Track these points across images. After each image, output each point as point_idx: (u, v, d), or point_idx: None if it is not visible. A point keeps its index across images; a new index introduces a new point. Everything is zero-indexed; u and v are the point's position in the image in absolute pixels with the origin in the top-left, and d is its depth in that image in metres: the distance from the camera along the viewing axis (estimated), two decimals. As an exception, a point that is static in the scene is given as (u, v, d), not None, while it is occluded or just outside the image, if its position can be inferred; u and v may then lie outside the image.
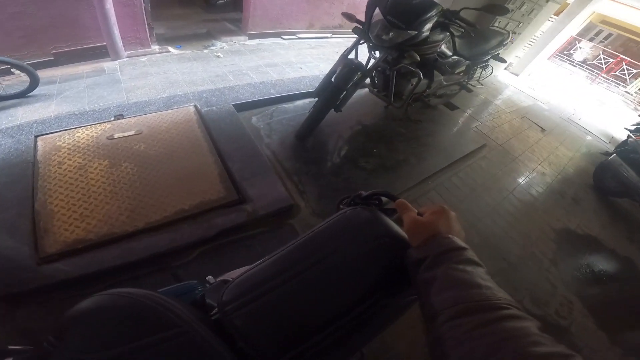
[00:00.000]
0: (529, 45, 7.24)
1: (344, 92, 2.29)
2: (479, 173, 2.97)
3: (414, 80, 2.48)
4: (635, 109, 9.74)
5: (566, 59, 12.35)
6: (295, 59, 3.92)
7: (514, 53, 6.13)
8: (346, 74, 2.17)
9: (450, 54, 2.63)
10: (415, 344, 1.60)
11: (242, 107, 2.76)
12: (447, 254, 0.47)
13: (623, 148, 3.42)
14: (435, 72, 2.73)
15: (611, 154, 3.43)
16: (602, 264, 2.52)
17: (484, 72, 3.47)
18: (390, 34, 2.09)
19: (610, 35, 13.91)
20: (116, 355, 0.37)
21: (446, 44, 2.47)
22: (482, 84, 3.38)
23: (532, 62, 6.79)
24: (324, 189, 2.28)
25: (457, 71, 3.05)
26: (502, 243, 2.34)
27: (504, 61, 3.28)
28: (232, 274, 0.74)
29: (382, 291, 0.51)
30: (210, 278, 0.84)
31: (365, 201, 0.67)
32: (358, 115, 3.11)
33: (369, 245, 0.53)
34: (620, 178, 3.20)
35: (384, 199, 0.67)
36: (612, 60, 11.62)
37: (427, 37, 2.18)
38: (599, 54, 12.02)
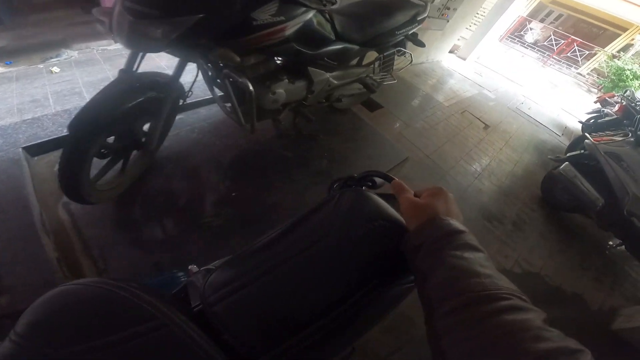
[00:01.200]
0: (476, 25, 6.58)
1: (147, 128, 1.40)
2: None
3: (259, 90, 1.60)
4: (589, 91, 9.51)
5: (517, 41, 12.00)
6: (168, 63, 2.82)
7: (457, 34, 5.37)
8: (121, 98, 1.25)
9: (332, 38, 1.76)
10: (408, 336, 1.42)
11: (40, 149, 1.73)
12: (445, 238, 0.43)
13: (577, 153, 2.75)
14: (314, 70, 1.86)
15: (562, 160, 2.76)
16: (543, 309, 1.80)
17: (400, 61, 2.59)
18: (144, 30, 1.10)
19: (560, 15, 13.76)
20: (85, 350, 0.34)
21: (313, 24, 1.58)
22: (394, 79, 2.51)
23: (480, 43, 6.12)
24: (138, 263, 1.39)
25: (351, 63, 2.19)
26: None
27: (421, 44, 2.42)
28: (216, 263, 0.65)
29: (377, 279, 0.47)
30: (193, 267, 0.76)
31: (358, 183, 0.63)
32: (214, 140, 2.10)
33: (362, 230, 0.48)
34: (573, 191, 2.52)
35: (378, 180, 0.62)
36: (563, 41, 11.36)
37: (251, 19, 1.28)
38: (550, 35, 11.75)
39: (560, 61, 11.48)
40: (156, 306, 0.39)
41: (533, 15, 13.43)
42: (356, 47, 1.93)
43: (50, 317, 0.37)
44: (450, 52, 6.53)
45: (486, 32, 5.95)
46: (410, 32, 2.24)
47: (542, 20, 13.59)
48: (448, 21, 3.75)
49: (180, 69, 1.41)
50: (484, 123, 3.75)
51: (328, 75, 1.98)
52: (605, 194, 2.42)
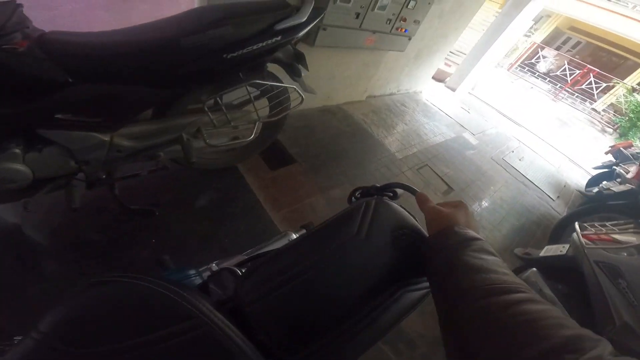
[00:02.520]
0: (466, 47, 5.68)
1: None
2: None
3: None
4: (603, 131, 8.46)
5: (528, 70, 11.03)
6: None
7: (438, 57, 4.47)
8: None
9: (60, 79, 0.93)
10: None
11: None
12: (464, 242, 0.46)
13: (555, 255, 1.85)
14: (57, 133, 1.05)
15: (531, 262, 1.85)
16: None
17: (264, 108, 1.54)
18: None
19: (579, 43, 12.74)
20: (114, 350, 0.32)
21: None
22: (249, 137, 1.58)
23: (473, 71, 5.23)
24: None
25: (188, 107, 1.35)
26: None
27: (297, 73, 1.51)
28: (231, 262, 0.70)
29: (398, 282, 0.49)
30: (214, 265, 0.75)
31: (379, 192, 0.64)
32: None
33: (387, 237, 0.51)
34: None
35: (399, 191, 0.65)
36: (578, 71, 10.33)
37: None
38: (564, 64, 10.74)
39: (573, 94, 10.43)
40: (194, 304, 0.37)
41: (549, 42, 12.46)
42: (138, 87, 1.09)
43: (77, 314, 0.36)
44: (439, 80, 5.65)
45: (480, 56, 5.06)
46: (270, 54, 1.34)
47: (558, 49, 12.58)
48: (410, 38, 2.88)
49: None
50: (446, 184, 2.83)
51: (101, 136, 1.14)
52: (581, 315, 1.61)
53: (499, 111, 5.56)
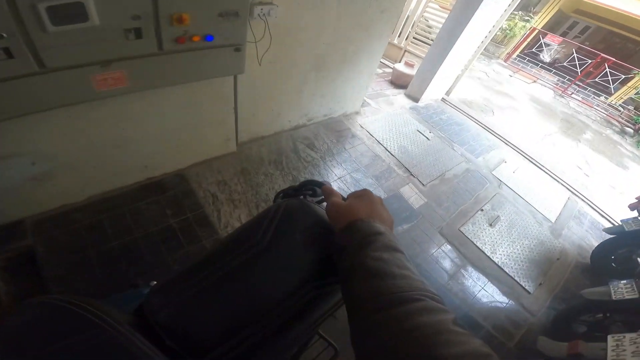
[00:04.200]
0: (425, 44, 4.19)
1: None
2: None
3: None
4: (622, 132, 6.87)
5: (528, 61, 9.41)
6: None
7: (361, 64, 3.08)
8: None
9: None
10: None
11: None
12: (364, 239, 0.45)
13: None
14: None
15: None
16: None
17: None
18: None
19: (587, 28, 10.99)
20: None
21: None
22: None
23: (440, 70, 3.80)
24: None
25: None
26: None
27: None
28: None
29: (313, 282, 0.50)
30: (153, 283, 0.77)
31: (297, 192, 0.65)
32: None
33: (299, 236, 0.51)
34: None
35: (319, 190, 0.63)
36: (590, 61, 8.67)
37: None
38: (572, 53, 9.09)
39: (586, 88, 8.79)
40: (99, 316, 0.39)
41: (553, 28, 10.75)
42: None
43: None
44: (401, 86, 4.26)
45: (447, 49, 3.63)
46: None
47: (564, 35, 10.86)
48: (256, 44, 1.58)
49: None
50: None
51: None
52: None
53: (481, 124, 4.11)
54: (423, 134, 3.43)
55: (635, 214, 2.41)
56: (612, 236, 2.36)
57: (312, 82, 2.43)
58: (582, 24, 10.88)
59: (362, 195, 0.53)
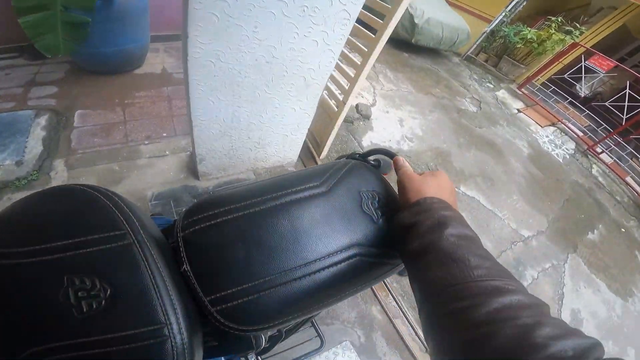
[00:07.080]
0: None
1: None
2: None
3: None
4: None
5: (553, 91, 6.83)
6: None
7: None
8: None
9: None
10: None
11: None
12: (438, 220, 0.42)
13: None
14: None
15: None
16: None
17: None
18: None
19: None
20: (36, 251, 0.33)
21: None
22: None
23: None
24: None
25: None
26: None
27: None
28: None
29: (357, 246, 0.46)
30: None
31: (362, 158, 0.62)
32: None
33: (354, 196, 0.49)
34: None
35: (384, 163, 0.61)
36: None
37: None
38: (625, 87, 6.37)
39: (625, 147, 6.19)
40: (129, 221, 0.37)
41: (605, 51, 7.82)
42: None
43: (13, 217, 0.35)
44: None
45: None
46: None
47: (621, 61, 7.94)
48: None
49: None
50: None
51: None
52: None
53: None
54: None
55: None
56: None
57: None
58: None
59: (438, 175, 0.51)
